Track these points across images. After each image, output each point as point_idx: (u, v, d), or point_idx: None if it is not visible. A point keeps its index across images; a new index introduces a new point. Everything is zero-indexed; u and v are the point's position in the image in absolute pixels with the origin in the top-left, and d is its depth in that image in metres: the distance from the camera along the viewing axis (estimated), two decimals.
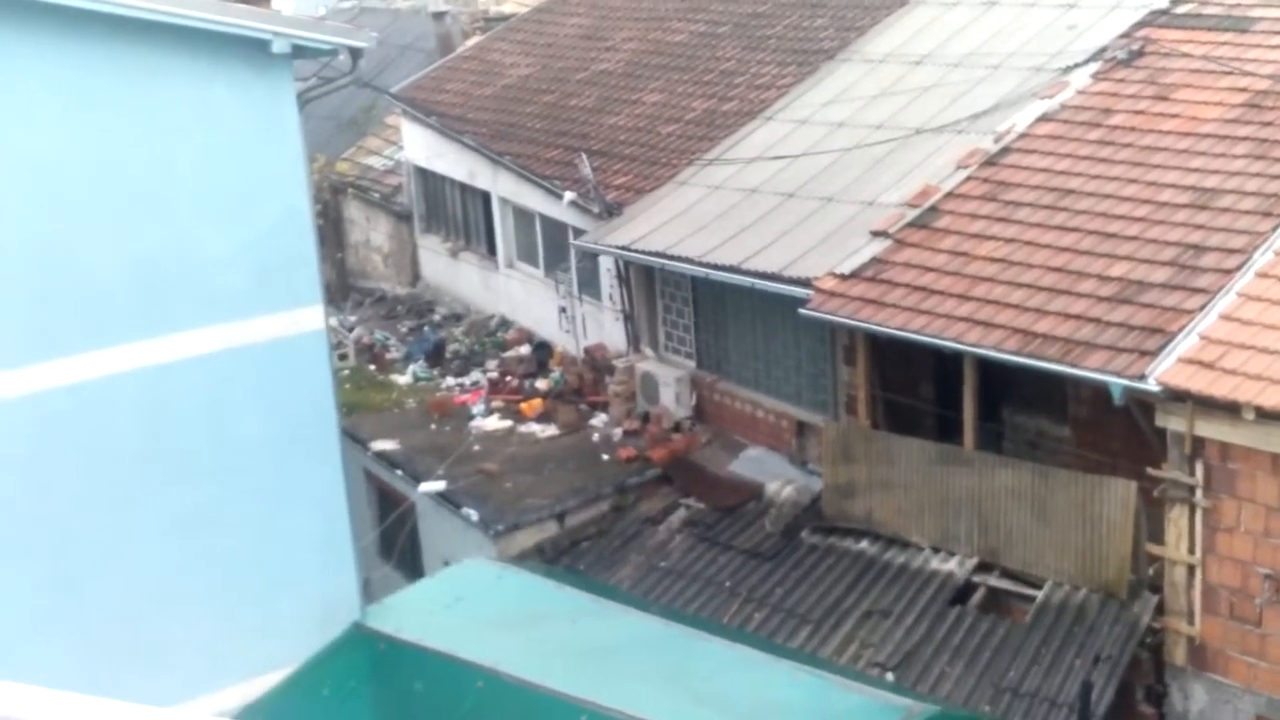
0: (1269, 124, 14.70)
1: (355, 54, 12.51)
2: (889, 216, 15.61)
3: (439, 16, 27.55)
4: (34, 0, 10.86)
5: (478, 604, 13.16)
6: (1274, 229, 13.21)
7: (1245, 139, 14.65)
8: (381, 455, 18.20)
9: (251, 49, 11.83)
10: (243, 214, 12.16)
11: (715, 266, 16.22)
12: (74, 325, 11.55)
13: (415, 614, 12.95)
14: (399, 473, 17.83)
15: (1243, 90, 15.38)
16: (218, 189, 12.08)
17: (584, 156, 19.13)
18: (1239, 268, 12.92)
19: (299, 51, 12.09)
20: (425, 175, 23.55)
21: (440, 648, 11.97)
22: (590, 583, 14.64)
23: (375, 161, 25.54)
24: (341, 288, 24.90)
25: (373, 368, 21.22)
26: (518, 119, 21.54)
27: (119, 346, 11.74)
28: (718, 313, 17.66)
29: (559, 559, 15.88)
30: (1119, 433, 13.54)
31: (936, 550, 14.41)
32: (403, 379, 20.73)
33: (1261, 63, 15.69)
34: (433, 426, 18.86)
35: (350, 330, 22.38)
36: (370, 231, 25.38)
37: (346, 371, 20.81)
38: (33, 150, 11.29)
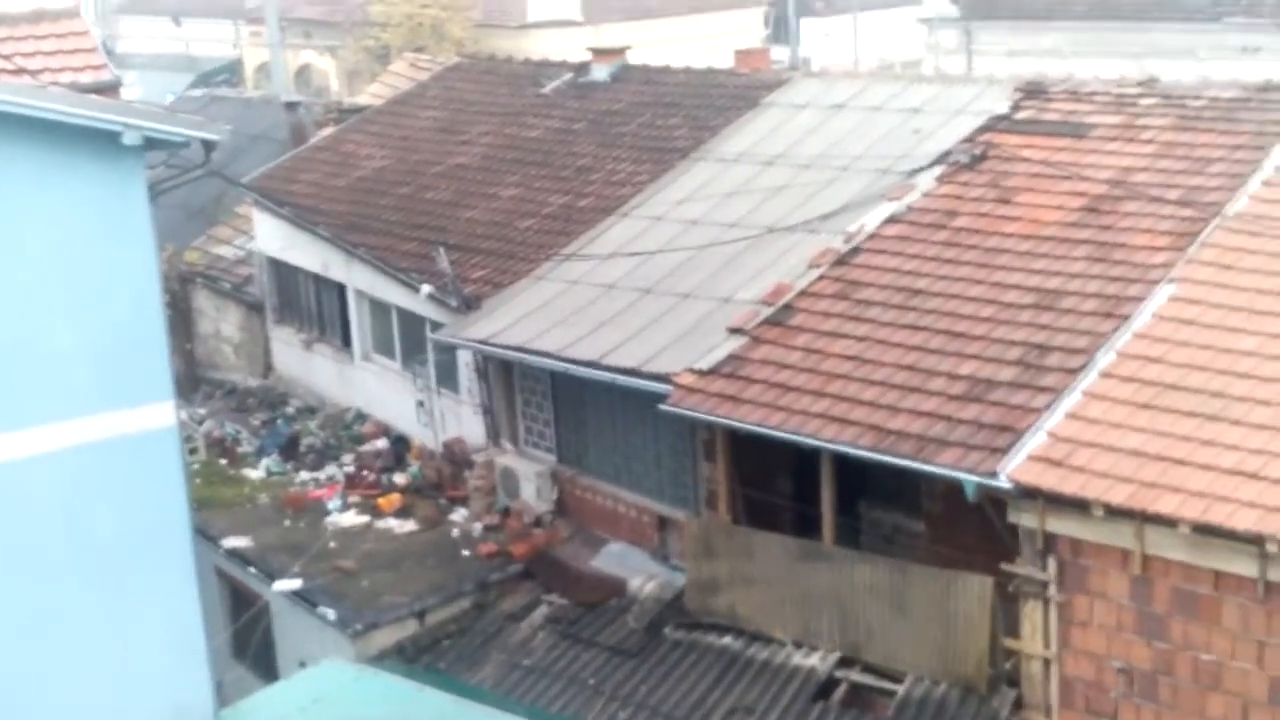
0: (1107, 227, 15.31)
1: (208, 146, 12.41)
2: (745, 314, 15.86)
3: (291, 106, 27.42)
4: None
5: (336, 708, 12.94)
6: (1114, 330, 13.74)
7: (1085, 241, 15.22)
8: (233, 552, 17.79)
9: (102, 140, 11.68)
10: (92, 307, 11.94)
11: (574, 361, 16.31)
12: None
13: (272, 719, 12.66)
14: (252, 570, 17.43)
15: (1081, 194, 15.99)
16: (66, 281, 11.85)
17: (441, 250, 19.11)
18: (1083, 367, 13.39)
19: (151, 143, 11.96)
20: (278, 266, 23.28)
21: None
22: (452, 682, 14.47)
23: (226, 251, 25.15)
24: (191, 379, 24.35)
25: (224, 462, 20.78)
26: (373, 211, 21.46)
27: None
28: (578, 407, 17.70)
29: (419, 658, 15.64)
30: (972, 528, 13.86)
31: (799, 645, 14.55)
32: (255, 474, 20.34)
33: (1099, 167, 16.34)
34: (287, 523, 18.52)
35: (200, 423, 21.89)
36: (220, 322, 24.94)
37: (197, 466, 20.31)
38: None
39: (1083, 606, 12.54)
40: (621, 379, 15.79)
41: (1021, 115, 18.00)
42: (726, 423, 14.68)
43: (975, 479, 12.64)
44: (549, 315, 17.36)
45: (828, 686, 14.04)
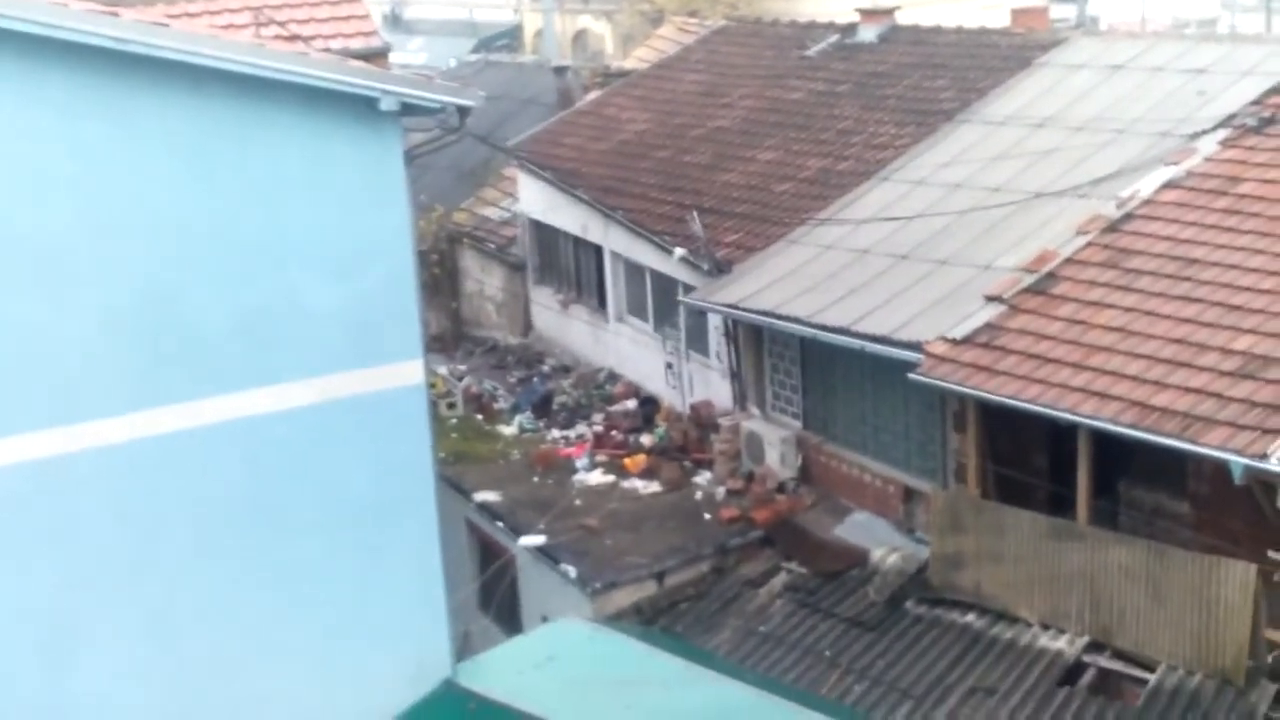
0: None
1: (463, 111, 12.54)
2: (1004, 281, 15.28)
3: (560, 71, 27.80)
4: (154, 56, 11.05)
5: (570, 665, 13.04)
6: None
7: None
8: (484, 506, 18.17)
9: (361, 106, 11.93)
10: (349, 268, 12.20)
11: (824, 327, 16.01)
12: (179, 374, 11.64)
13: (507, 673, 12.88)
14: (500, 525, 17.78)
15: None
16: (325, 243, 12.13)
17: (694, 214, 19.04)
18: None
19: (407, 109, 12.16)
20: (539, 227, 23.66)
21: (530, 709, 11.91)
22: (687, 646, 14.43)
23: (492, 212, 25.71)
24: (455, 336, 25.05)
25: (480, 417, 21.26)
26: (632, 174, 21.55)
27: (221, 396, 11.83)
28: (826, 374, 17.40)
29: (656, 619, 15.66)
30: (1240, 511, 13.06)
31: (1046, 627, 13.97)
32: (509, 429, 20.72)
33: None
34: (536, 479, 18.81)
35: (460, 379, 22.46)
36: (485, 282, 25.54)
37: (454, 420, 20.87)
38: (149, 201, 11.46)
39: None
40: (871, 346, 15.42)
41: None
42: (978, 394, 14.17)
43: (1243, 460, 11.86)
44: (800, 280, 17.09)
45: (1075, 671, 13.42)
